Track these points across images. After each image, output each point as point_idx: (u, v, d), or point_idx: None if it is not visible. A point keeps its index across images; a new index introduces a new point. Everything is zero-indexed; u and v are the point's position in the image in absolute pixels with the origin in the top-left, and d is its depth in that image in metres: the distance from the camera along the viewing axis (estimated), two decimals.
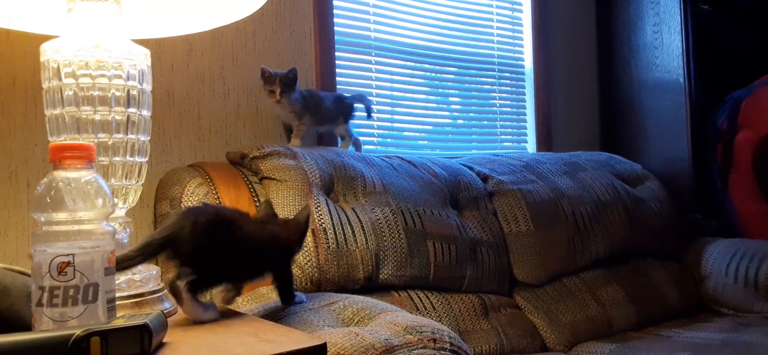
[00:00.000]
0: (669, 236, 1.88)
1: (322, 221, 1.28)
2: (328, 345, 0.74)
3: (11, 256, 1.25)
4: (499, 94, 2.13)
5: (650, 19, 2.15)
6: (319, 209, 1.29)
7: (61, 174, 0.72)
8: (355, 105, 1.64)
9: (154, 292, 0.96)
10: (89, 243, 0.71)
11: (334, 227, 1.29)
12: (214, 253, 0.86)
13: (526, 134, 2.20)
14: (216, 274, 0.89)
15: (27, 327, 0.74)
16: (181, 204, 1.26)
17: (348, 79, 1.78)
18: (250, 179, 1.35)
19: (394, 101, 1.89)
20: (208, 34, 1.51)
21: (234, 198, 1.27)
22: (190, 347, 0.73)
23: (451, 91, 2.04)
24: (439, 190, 1.53)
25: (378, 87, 1.85)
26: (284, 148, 1.38)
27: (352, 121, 1.63)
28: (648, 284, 1.74)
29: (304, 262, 1.23)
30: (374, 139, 1.84)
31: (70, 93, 0.92)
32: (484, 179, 1.68)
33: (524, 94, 2.20)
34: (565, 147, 2.21)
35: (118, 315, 0.75)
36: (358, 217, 1.33)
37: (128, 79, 0.95)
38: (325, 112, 1.55)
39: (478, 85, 2.09)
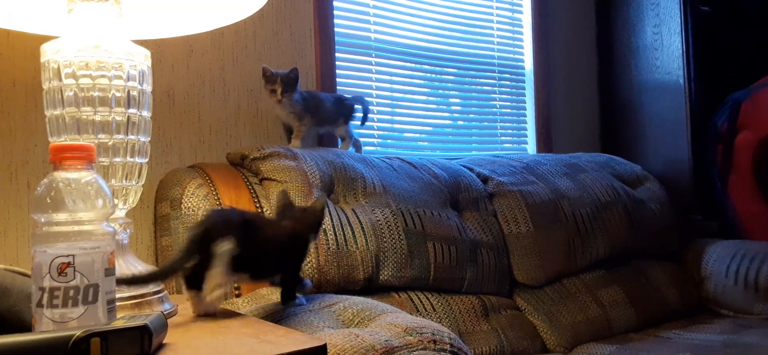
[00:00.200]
0: (669, 237, 1.88)
1: (322, 222, 1.28)
2: (328, 346, 0.74)
3: (11, 257, 1.25)
4: (499, 96, 2.14)
5: (650, 20, 2.15)
6: None
7: (61, 175, 0.72)
8: (356, 106, 1.64)
9: (155, 293, 0.96)
10: (89, 244, 0.71)
11: (334, 228, 1.28)
12: (248, 254, 0.90)
13: (526, 135, 2.20)
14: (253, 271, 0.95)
15: (27, 328, 0.74)
16: (182, 205, 1.26)
17: (348, 80, 1.78)
18: (251, 180, 1.35)
19: (394, 102, 1.89)
20: (208, 35, 1.51)
21: (234, 199, 1.27)
22: (190, 348, 0.73)
23: (451, 92, 2.04)
24: (439, 191, 1.53)
25: (378, 88, 1.85)
26: (284, 150, 1.38)
27: (352, 123, 1.63)
28: (648, 286, 1.74)
29: (304, 263, 1.23)
30: (374, 140, 1.84)
31: (71, 94, 0.92)
32: (484, 180, 1.68)
33: (524, 96, 2.20)
34: (565, 148, 2.21)
35: (118, 316, 0.75)
36: (358, 218, 1.33)
37: (128, 79, 0.95)
38: (325, 114, 1.55)
39: (478, 87, 2.09)
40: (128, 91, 0.95)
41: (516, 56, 2.18)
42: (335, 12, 1.74)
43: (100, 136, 0.93)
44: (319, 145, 1.68)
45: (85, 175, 0.73)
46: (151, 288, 0.95)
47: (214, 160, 1.50)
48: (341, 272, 1.26)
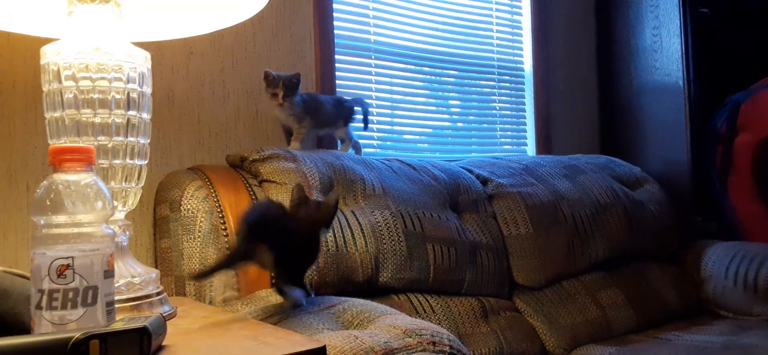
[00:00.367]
0: (668, 239, 1.88)
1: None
2: (327, 348, 0.74)
3: (11, 259, 1.25)
4: (498, 97, 2.14)
5: (649, 22, 2.16)
6: None
7: (60, 177, 0.72)
8: (355, 108, 1.64)
9: (154, 295, 0.96)
10: (89, 246, 0.71)
11: (333, 230, 1.29)
12: (279, 257, 0.97)
13: (525, 137, 2.20)
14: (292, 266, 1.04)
15: (26, 330, 0.74)
16: (181, 207, 1.26)
17: (348, 82, 1.78)
18: (250, 181, 1.35)
19: (394, 104, 1.89)
20: (208, 38, 1.51)
21: (233, 201, 1.28)
22: (189, 350, 0.73)
23: (450, 94, 2.04)
24: (438, 193, 1.53)
25: (378, 90, 1.85)
26: (284, 151, 1.38)
27: (352, 125, 1.63)
28: (647, 287, 1.74)
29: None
30: (374, 142, 1.84)
31: (70, 96, 0.92)
32: (484, 181, 1.68)
33: (524, 97, 2.20)
34: (564, 150, 2.21)
35: (117, 318, 0.75)
36: (357, 220, 1.34)
37: (128, 82, 0.95)
38: (325, 116, 1.55)
39: (478, 88, 2.09)
40: (128, 94, 0.95)
41: (515, 58, 2.18)
42: (335, 14, 1.74)
43: (99, 138, 0.93)
44: (318, 147, 1.68)
45: (84, 178, 0.73)
46: (150, 290, 0.96)
47: (214, 162, 1.50)
48: (341, 274, 1.26)
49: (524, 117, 2.20)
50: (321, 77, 1.69)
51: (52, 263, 0.69)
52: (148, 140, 1.01)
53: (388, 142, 1.88)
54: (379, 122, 1.85)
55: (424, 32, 1.96)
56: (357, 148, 1.64)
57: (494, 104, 2.13)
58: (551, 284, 1.62)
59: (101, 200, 0.73)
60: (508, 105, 2.16)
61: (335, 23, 1.73)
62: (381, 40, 1.86)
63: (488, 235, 1.55)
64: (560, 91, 2.26)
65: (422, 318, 1.29)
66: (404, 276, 1.35)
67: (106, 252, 0.73)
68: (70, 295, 0.69)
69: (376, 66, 1.85)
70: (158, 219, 1.33)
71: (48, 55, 0.94)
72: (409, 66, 1.92)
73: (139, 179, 1.00)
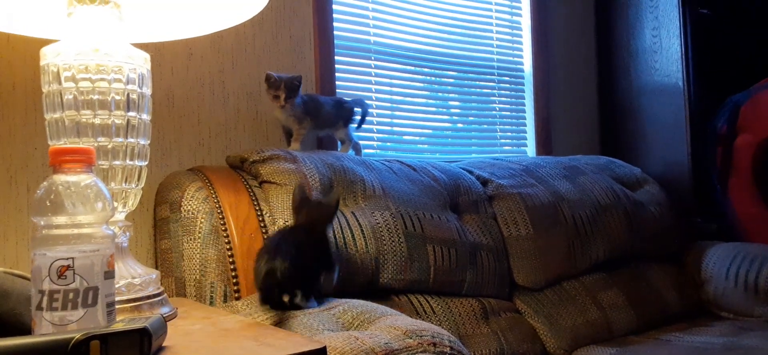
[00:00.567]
0: (669, 240, 1.88)
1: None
2: (328, 349, 0.74)
3: (11, 260, 1.25)
4: (498, 98, 2.14)
5: (649, 23, 2.16)
6: None
7: (60, 178, 0.72)
8: (355, 109, 1.64)
9: (154, 296, 0.96)
10: (89, 247, 0.71)
11: (333, 231, 1.28)
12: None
13: (525, 138, 2.20)
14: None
15: (27, 331, 0.74)
16: (181, 208, 1.26)
17: (347, 83, 1.78)
18: (250, 182, 1.35)
19: (394, 105, 1.89)
20: (208, 39, 1.51)
21: (233, 202, 1.27)
22: (189, 351, 0.73)
23: (450, 94, 2.04)
24: (438, 194, 1.53)
25: (378, 91, 1.85)
26: (284, 152, 1.38)
27: (351, 126, 1.63)
28: (648, 288, 1.74)
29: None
30: (374, 143, 1.84)
31: (70, 97, 0.92)
32: (484, 182, 1.68)
33: (524, 98, 2.20)
34: (564, 151, 2.21)
35: (117, 319, 0.75)
36: (357, 221, 1.33)
37: (128, 82, 0.95)
38: (325, 117, 1.55)
39: (478, 89, 2.09)
40: (128, 95, 0.95)
41: (515, 59, 2.18)
42: (335, 15, 1.74)
43: (99, 139, 0.93)
44: (318, 147, 1.68)
45: (84, 179, 0.73)
46: (150, 291, 0.95)
47: (214, 163, 1.50)
48: (341, 275, 1.26)
49: (524, 118, 2.20)
50: (321, 78, 1.69)
51: (52, 263, 0.69)
52: (148, 141, 1.01)
53: (388, 143, 1.88)
54: (379, 123, 1.85)
55: (424, 33, 1.96)
56: (357, 149, 1.64)
57: (494, 105, 2.13)
58: (552, 285, 1.62)
59: (101, 200, 0.73)
60: (508, 106, 2.16)
61: (335, 24, 1.74)
62: (381, 40, 1.86)
63: (488, 236, 1.55)
64: (560, 91, 2.26)
65: (423, 319, 1.29)
66: (404, 277, 1.35)
67: (106, 253, 0.73)
68: (71, 296, 0.69)
69: (376, 67, 1.85)
70: (158, 220, 1.33)
71: (48, 57, 0.94)
72: (408, 67, 1.92)
73: (139, 179, 1.00)
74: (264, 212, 1.29)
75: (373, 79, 1.84)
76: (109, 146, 0.94)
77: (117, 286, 0.90)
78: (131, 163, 0.97)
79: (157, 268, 1.31)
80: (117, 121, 0.95)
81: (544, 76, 2.21)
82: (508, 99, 2.16)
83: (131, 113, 0.96)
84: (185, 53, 1.49)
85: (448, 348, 0.86)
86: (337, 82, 1.73)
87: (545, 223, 1.63)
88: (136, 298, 0.93)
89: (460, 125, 2.07)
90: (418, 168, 1.59)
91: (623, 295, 1.67)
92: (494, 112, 2.13)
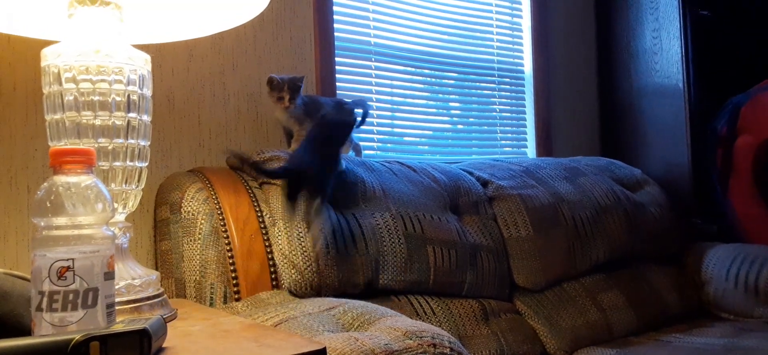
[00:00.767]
0: (669, 241, 1.88)
1: (322, 226, 1.28)
2: (328, 350, 0.74)
3: (11, 261, 1.25)
4: (499, 99, 2.14)
5: (650, 24, 2.16)
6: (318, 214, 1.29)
7: (61, 179, 0.72)
8: (356, 110, 1.64)
9: (154, 297, 0.96)
10: (89, 248, 0.71)
11: (333, 232, 1.28)
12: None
13: (525, 139, 2.20)
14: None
15: (27, 332, 0.74)
16: (181, 209, 1.26)
17: (348, 84, 1.78)
18: (250, 183, 1.35)
19: (394, 107, 1.89)
20: (208, 40, 1.51)
21: (234, 203, 1.28)
22: (189, 353, 0.73)
23: (451, 96, 2.04)
24: (438, 195, 1.53)
25: (378, 92, 1.85)
26: (284, 153, 1.38)
27: None
28: (648, 289, 1.74)
29: (303, 266, 1.23)
30: (374, 144, 1.84)
31: (71, 98, 0.92)
32: (484, 183, 1.68)
33: (524, 99, 2.20)
34: (564, 152, 2.21)
35: (117, 320, 0.75)
36: (357, 222, 1.33)
37: (129, 84, 0.96)
38: None
39: (478, 91, 2.09)
40: (128, 96, 0.95)
41: (516, 60, 2.18)
42: (335, 16, 1.74)
43: (100, 140, 0.93)
44: None
45: (84, 180, 0.73)
46: (150, 292, 0.96)
47: (214, 164, 1.50)
48: (341, 276, 1.26)
49: (524, 119, 2.20)
50: (321, 80, 1.69)
51: (52, 264, 0.69)
52: (149, 142, 1.01)
53: (389, 145, 1.88)
54: (379, 124, 1.85)
55: (425, 34, 1.96)
56: (357, 150, 1.64)
57: (494, 106, 2.13)
58: (552, 286, 1.62)
59: (101, 201, 0.73)
60: (508, 107, 2.16)
61: (335, 25, 1.74)
62: (381, 42, 1.86)
63: (489, 237, 1.55)
64: (560, 93, 2.26)
65: (423, 320, 1.29)
66: (404, 278, 1.35)
67: (106, 254, 0.73)
68: (71, 297, 0.69)
69: (377, 68, 1.85)
70: (158, 221, 1.33)
71: (48, 58, 0.94)
72: (409, 68, 1.92)
73: (139, 180, 1.00)
74: (264, 213, 1.29)
75: (373, 80, 1.84)
76: (110, 147, 0.94)
77: (117, 287, 0.90)
78: (131, 164, 0.97)
79: (157, 269, 1.31)
80: (117, 122, 0.95)
81: (545, 77, 2.21)
82: (509, 100, 2.16)
83: (132, 114, 0.96)
84: (186, 54, 1.49)
85: (448, 349, 0.86)
86: (337, 84, 1.73)
87: (545, 224, 1.63)
88: (136, 299, 0.93)
89: (460, 126, 2.07)
90: (419, 169, 1.59)
91: (623, 296, 1.67)
92: (494, 113, 2.13)
